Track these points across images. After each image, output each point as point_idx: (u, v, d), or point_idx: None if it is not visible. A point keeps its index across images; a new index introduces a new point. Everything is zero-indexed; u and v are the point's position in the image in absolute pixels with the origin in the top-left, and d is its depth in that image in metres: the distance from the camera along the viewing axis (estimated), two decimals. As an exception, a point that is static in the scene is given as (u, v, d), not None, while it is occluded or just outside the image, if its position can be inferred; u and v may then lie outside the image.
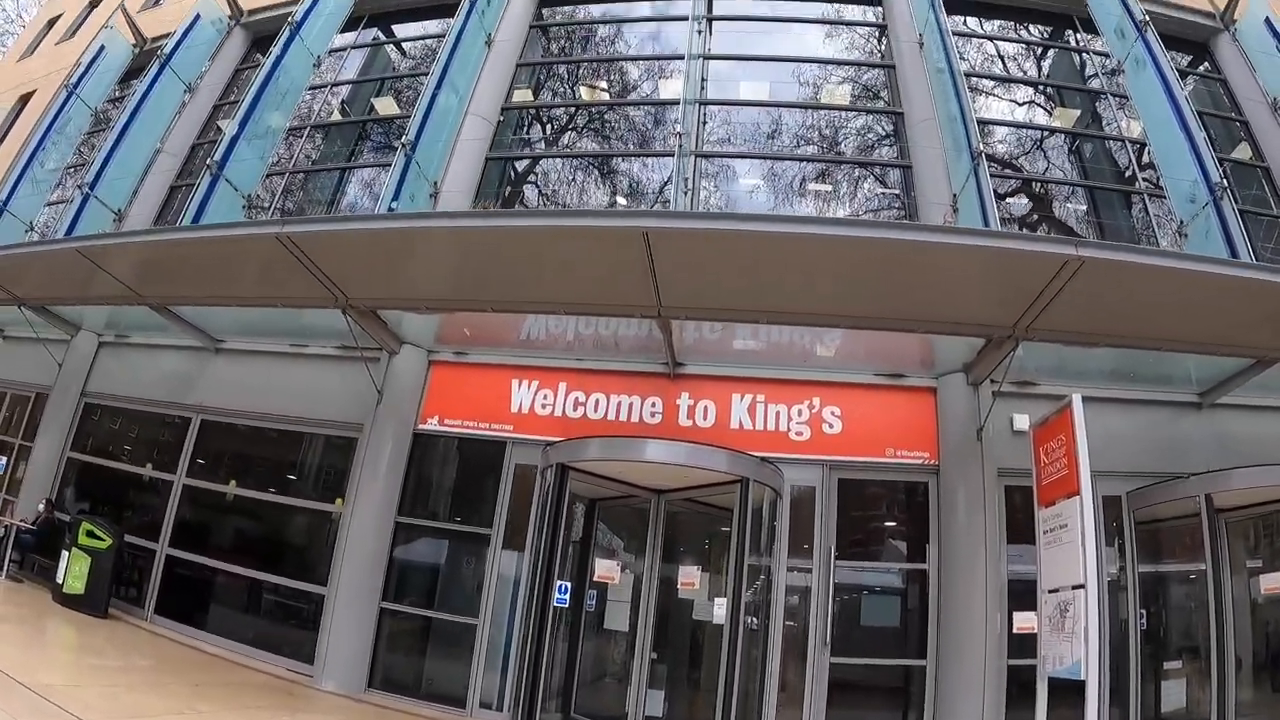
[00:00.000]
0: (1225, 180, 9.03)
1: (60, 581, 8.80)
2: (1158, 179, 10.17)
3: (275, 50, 11.09)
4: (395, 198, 8.77)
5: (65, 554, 8.81)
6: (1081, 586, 5.98)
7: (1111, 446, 8.47)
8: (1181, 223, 9.25)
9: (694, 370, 8.20)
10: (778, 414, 8.11)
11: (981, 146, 8.05)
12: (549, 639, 6.91)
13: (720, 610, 6.81)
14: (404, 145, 9.01)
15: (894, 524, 8.46)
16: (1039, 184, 10.79)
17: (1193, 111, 9.54)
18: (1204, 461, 8.49)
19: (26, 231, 11.92)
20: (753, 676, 7.03)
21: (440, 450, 8.77)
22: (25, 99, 17.41)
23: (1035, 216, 10.53)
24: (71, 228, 10.77)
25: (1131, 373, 8.72)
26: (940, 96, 9.57)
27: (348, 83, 12.83)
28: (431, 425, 8.57)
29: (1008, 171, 10.79)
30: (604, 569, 7.52)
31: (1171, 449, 8.84)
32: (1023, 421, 7.95)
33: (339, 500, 8.73)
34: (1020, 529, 7.70)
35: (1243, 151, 11.89)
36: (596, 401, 8.27)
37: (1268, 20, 11.92)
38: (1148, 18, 10.24)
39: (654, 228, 5.68)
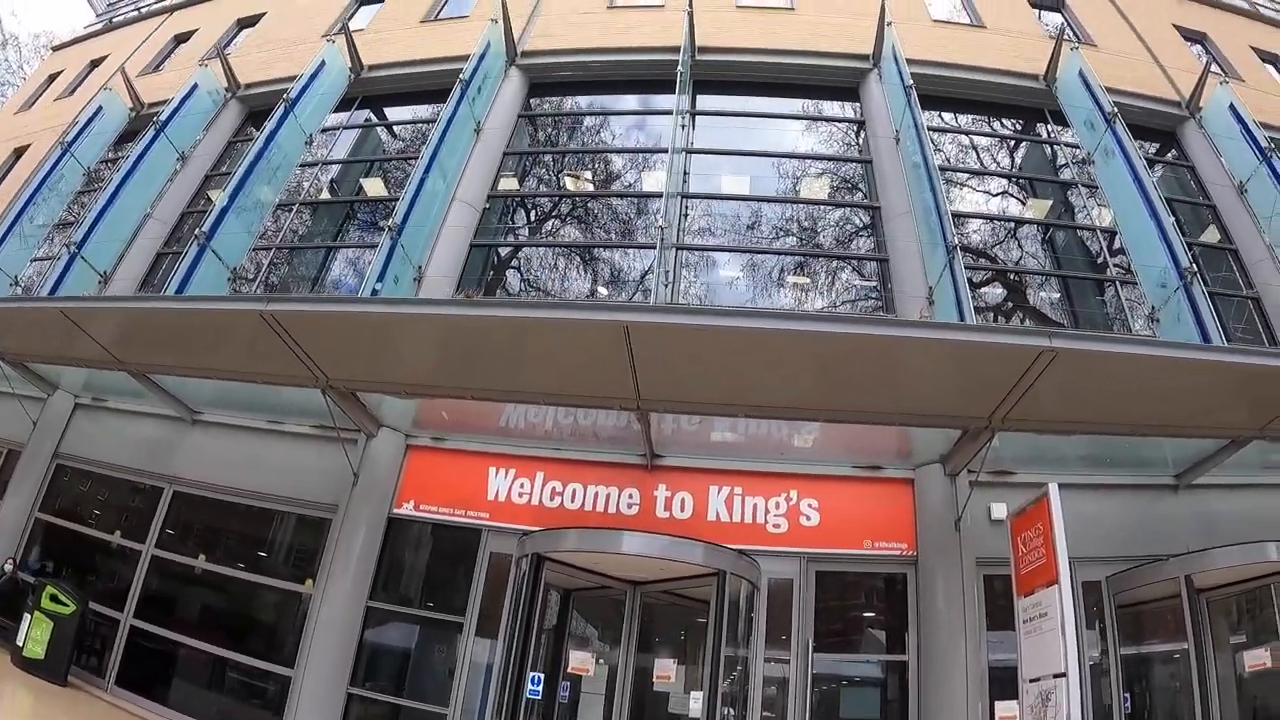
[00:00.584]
0: (1194, 265, 9.26)
1: (20, 644, 8.58)
2: (1129, 265, 10.40)
3: (269, 125, 11.28)
4: (380, 279, 8.84)
5: (27, 616, 8.60)
6: (1063, 675, 5.94)
7: (1090, 532, 8.59)
8: (1154, 308, 9.48)
9: (672, 462, 8.24)
10: (755, 506, 8.12)
11: (956, 239, 8.24)
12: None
13: (696, 704, 6.74)
14: (390, 228, 9.11)
15: (873, 615, 8.43)
16: (1013, 273, 10.99)
17: (1161, 198, 9.84)
18: (1183, 542, 8.60)
19: (11, 286, 11.87)
20: (731, 769, 6.92)
21: (415, 535, 8.72)
22: (20, 152, 17.56)
23: (1010, 305, 10.74)
24: (56, 286, 10.77)
25: (1108, 458, 8.85)
26: (916, 190, 9.83)
27: (338, 162, 13.03)
28: (407, 510, 8.52)
29: (983, 261, 11.05)
30: (578, 661, 7.44)
31: (1150, 531, 8.93)
32: (1000, 510, 8.01)
33: (309, 580, 8.60)
34: (1000, 617, 7.68)
35: (1211, 235, 12.24)
36: (574, 491, 8.26)
37: (1231, 106, 12.37)
38: (1116, 110, 10.62)
39: (633, 321, 5.77)
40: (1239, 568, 8.19)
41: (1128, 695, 8.24)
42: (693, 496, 8.12)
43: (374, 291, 8.68)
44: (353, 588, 8.18)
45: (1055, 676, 6.08)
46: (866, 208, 11.12)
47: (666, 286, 9.08)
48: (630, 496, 8.16)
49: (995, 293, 10.87)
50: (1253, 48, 17.23)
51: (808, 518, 8.10)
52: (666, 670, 7.36)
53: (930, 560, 7.84)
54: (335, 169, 13.08)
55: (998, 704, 7.31)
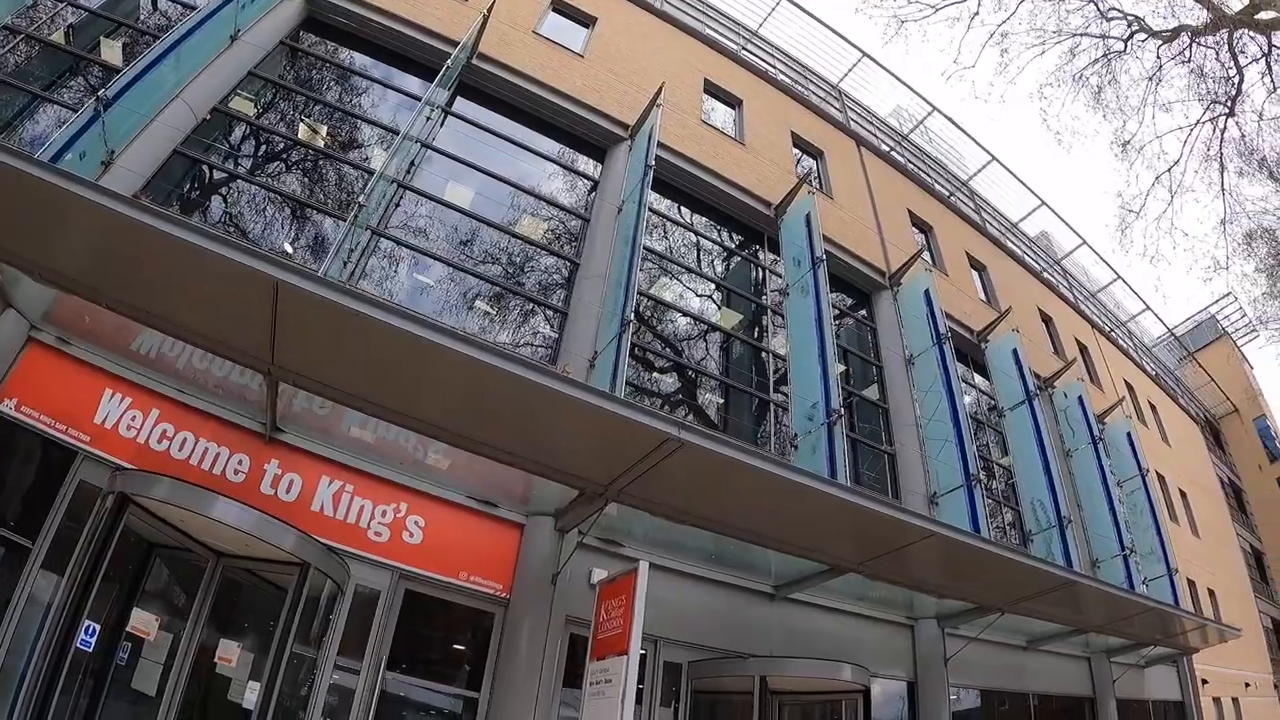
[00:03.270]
0: (843, 410, 10.64)
1: None
2: (788, 393, 11.76)
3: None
4: (66, 148, 8.01)
5: None
6: None
7: (686, 617, 9.53)
8: (795, 435, 10.75)
9: (292, 440, 8.07)
10: (362, 509, 8.10)
11: (631, 318, 8.94)
12: (65, 681, 6.22)
13: (253, 695, 6.57)
14: (100, 99, 8.29)
15: (456, 647, 8.72)
16: (690, 370, 12.05)
17: (834, 344, 11.39)
18: (768, 647, 9.74)
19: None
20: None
21: (4, 435, 7.81)
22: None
23: (679, 397, 11.71)
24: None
25: (721, 557, 9.85)
26: (617, 260, 10.61)
27: (87, 9, 11.31)
28: (6, 407, 7.61)
29: (665, 349, 11.95)
30: (140, 620, 6.98)
31: (742, 630, 10.05)
32: (601, 575, 8.58)
33: None
34: (578, 675, 8.22)
35: (873, 392, 14.14)
36: (185, 440, 7.82)
37: (926, 291, 14.55)
38: (824, 256, 12.13)
39: (286, 281, 5.68)
40: (809, 679, 9.60)
41: None
42: (302, 481, 7.96)
43: (54, 158, 7.83)
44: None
45: (610, 741, 6.62)
46: (568, 261, 11.78)
47: (345, 264, 9.04)
48: (240, 463, 7.87)
49: (667, 381, 11.83)
50: (967, 253, 20.41)
51: (411, 534, 8.22)
52: (230, 653, 7.07)
53: (522, 606, 8.30)
54: (83, 15, 11.44)
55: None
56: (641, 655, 9.40)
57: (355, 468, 8.19)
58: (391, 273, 10.23)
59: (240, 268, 5.71)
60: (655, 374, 11.54)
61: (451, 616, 8.54)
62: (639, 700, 8.79)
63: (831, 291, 15.25)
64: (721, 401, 12.13)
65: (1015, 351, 16.23)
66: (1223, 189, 36.81)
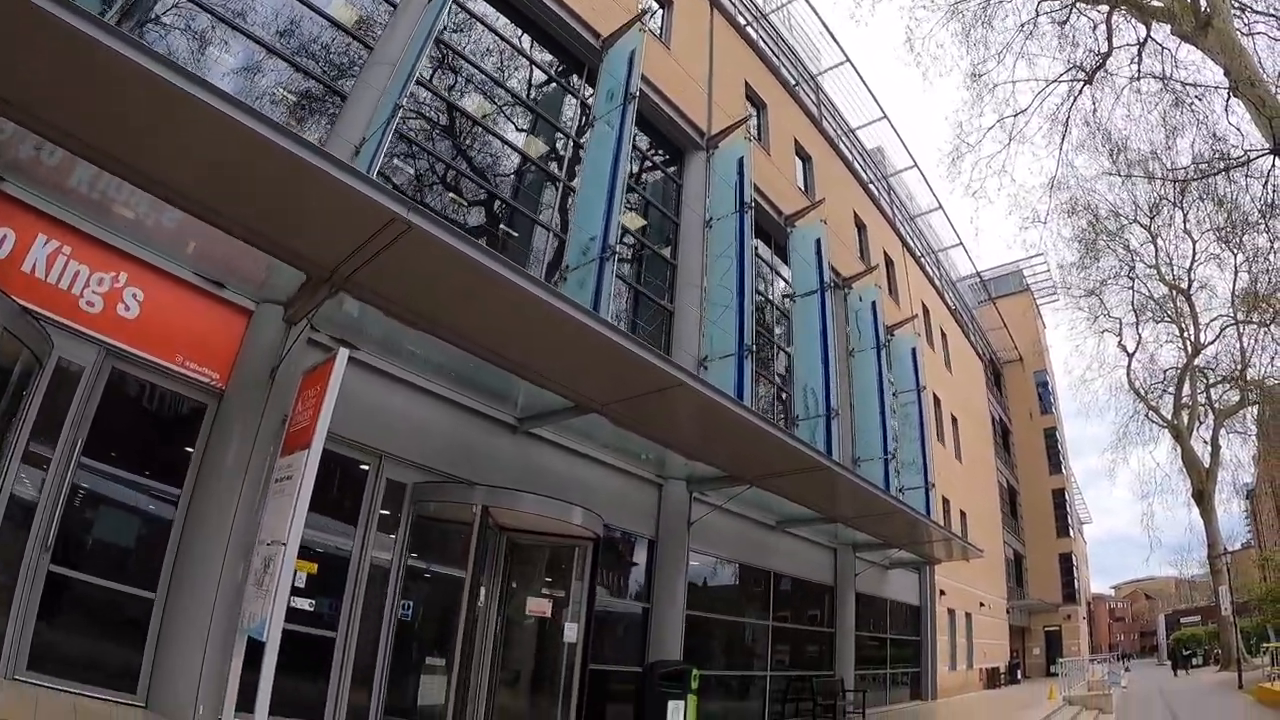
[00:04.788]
0: (617, 250, 10.31)
1: None
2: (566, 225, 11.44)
3: None
4: None
5: None
6: (283, 544, 5.91)
7: (420, 436, 9.09)
8: (566, 266, 10.40)
9: (13, 190, 6.77)
10: (77, 274, 7.01)
11: (404, 104, 8.35)
12: None
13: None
14: None
15: (161, 439, 7.82)
16: (475, 182, 11.19)
17: (625, 183, 11.02)
18: (506, 479, 9.48)
19: None
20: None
21: None
22: None
23: (456, 209, 10.90)
24: None
25: (466, 378, 9.43)
26: (410, 50, 9.51)
27: None
28: None
29: (451, 155, 11.16)
30: None
31: (480, 459, 9.70)
32: (327, 376, 8.03)
33: None
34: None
35: (634, 220, 14.14)
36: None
37: (741, 160, 14.47)
38: (639, 93, 11.73)
39: None
40: (541, 518, 9.32)
41: (409, 604, 8.78)
42: (16, 237, 6.75)
43: None
44: None
45: (274, 544, 6.11)
46: (362, 44, 10.37)
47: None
48: (-56, 212, 6.56)
49: (446, 194, 10.93)
50: (796, 140, 20.55)
51: (128, 308, 7.24)
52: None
53: (238, 399, 7.57)
54: None
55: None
56: (364, 470, 9.09)
57: (77, 228, 6.98)
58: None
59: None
60: (436, 184, 10.67)
61: (160, 405, 7.59)
62: (353, 521, 8.46)
63: (649, 149, 14.98)
64: (507, 228, 11.48)
65: (819, 241, 16.56)
66: (1060, 151, 39.42)
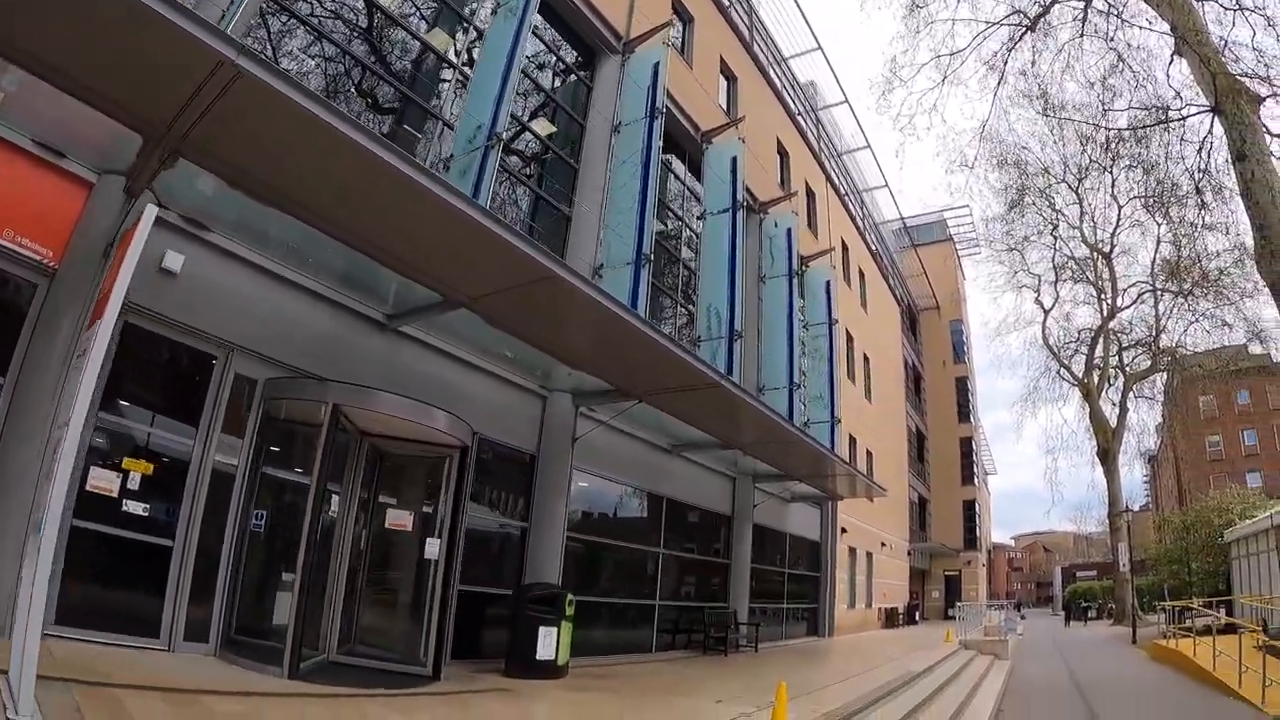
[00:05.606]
0: (502, 138, 9.64)
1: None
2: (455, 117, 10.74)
3: None
4: None
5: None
6: (67, 426, 4.97)
7: (276, 329, 8.31)
8: (450, 155, 9.71)
9: None
10: None
11: None
12: None
13: None
14: None
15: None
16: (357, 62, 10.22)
17: (519, 73, 10.37)
18: (374, 381, 8.77)
19: None
20: None
21: None
22: None
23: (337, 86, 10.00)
24: None
25: (329, 267, 8.71)
26: None
27: None
28: None
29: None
30: None
31: (344, 358, 8.98)
32: (175, 262, 7.29)
33: None
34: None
35: (545, 128, 13.48)
36: None
37: (656, 65, 13.90)
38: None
39: None
40: (402, 421, 8.67)
41: (262, 514, 8.07)
42: None
43: None
44: None
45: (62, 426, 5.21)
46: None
47: None
48: None
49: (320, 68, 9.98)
50: (722, 58, 19.98)
51: None
52: None
53: (72, 280, 6.71)
54: None
55: (94, 470, 6.71)
56: (213, 364, 8.35)
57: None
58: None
59: None
60: (319, 57, 9.71)
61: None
62: (193, 422, 7.68)
63: (558, 44, 14.19)
64: (396, 121, 10.59)
65: (735, 159, 16.03)
66: (994, 98, 39.38)
